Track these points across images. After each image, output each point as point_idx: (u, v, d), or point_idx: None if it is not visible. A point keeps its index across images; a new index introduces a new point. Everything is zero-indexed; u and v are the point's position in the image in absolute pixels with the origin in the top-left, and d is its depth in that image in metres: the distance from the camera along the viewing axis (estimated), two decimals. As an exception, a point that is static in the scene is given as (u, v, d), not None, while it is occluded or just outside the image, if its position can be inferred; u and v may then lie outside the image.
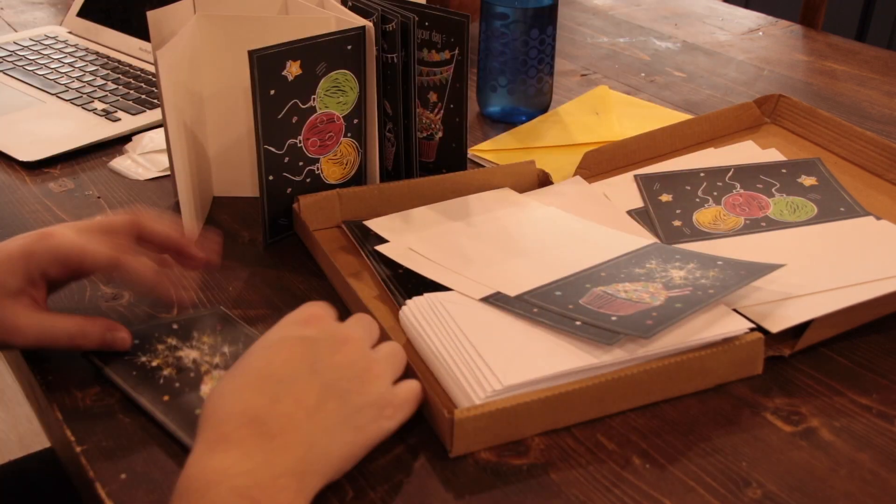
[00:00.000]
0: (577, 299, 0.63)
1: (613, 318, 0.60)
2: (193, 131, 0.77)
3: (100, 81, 1.05)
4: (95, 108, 0.99)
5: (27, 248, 0.60)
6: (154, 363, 0.60)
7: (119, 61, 1.11)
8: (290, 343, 0.53)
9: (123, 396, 0.59)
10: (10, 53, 1.14)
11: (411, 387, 0.55)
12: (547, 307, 0.62)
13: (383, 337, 0.58)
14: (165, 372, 0.60)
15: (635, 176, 0.84)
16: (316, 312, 0.56)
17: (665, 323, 0.58)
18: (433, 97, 0.82)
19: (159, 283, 0.62)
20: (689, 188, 0.81)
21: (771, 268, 0.65)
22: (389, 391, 0.54)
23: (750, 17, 1.37)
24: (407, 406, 0.54)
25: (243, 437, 0.48)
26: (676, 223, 0.77)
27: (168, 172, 0.87)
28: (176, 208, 0.81)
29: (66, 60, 1.12)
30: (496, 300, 0.64)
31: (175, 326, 0.64)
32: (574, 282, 0.65)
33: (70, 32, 1.21)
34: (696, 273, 0.65)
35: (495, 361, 0.57)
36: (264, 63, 0.68)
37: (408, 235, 0.73)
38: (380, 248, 0.71)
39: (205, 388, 0.58)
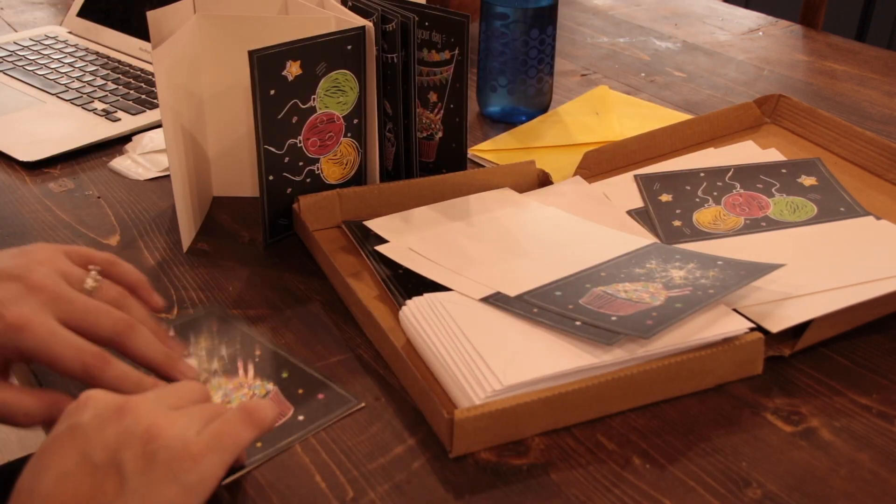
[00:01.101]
0: (576, 299, 0.63)
1: (613, 318, 0.60)
2: (192, 132, 0.77)
3: (100, 81, 1.05)
4: (95, 108, 0.99)
5: None
6: None
7: (119, 61, 1.11)
8: (57, 444, 0.46)
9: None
10: (10, 53, 1.14)
11: (216, 429, 0.47)
12: (547, 307, 0.62)
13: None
14: None
15: (635, 176, 0.84)
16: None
17: (665, 323, 0.58)
18: (433, 97, 0.82)
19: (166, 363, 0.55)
20: (689, 188, 0.81)
21: (771, 268, 0.65)
22: (183, 444, 0.45)
23: (750, 17, 1.37)
24: (211, 451, 0.45)
25: None
26: (676, 223, 0.77)
27: (168, 172, 0.87)
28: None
29: (66, 60, 1.12)
30: (496, 300, 0.64)
31: (171, 333, 0.63)
32: (574, 282, 0.65)
33: (70, 32, 1.21)
34: (696, 273, 0.65)
35: (495, 361, 0.57)
36: (264, 63, 0.68)
37: (408, 235, 0.74)
38: (380, 248, 0.71)
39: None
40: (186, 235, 0.76)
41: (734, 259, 0.67)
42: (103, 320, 0.52)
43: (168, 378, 0.55)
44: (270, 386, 0.59)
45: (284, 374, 0.61)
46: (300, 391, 0.59)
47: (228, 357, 0.62)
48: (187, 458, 0.45)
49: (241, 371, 0.61)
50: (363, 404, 0.59)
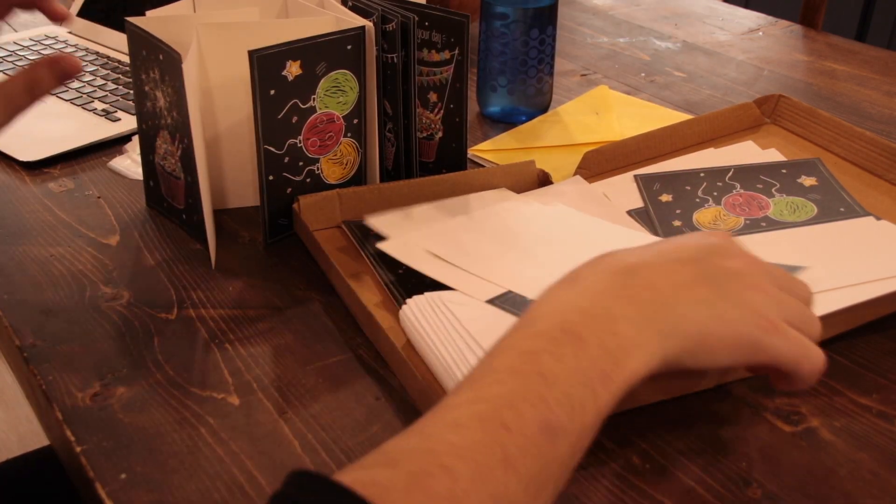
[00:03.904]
0: None
1: None
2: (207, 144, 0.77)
3: (100, 81, 1.05)
4: (95, 108, 0.99)
5: None
6: None
7: (119, 61, 1.11)
8: (684, 245, 0.51)
9: (126, 395, 0.59)
10: (10, 53, 1.14)
11: (800, 339, 0.50)
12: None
13: None
14: None
15: (635, 176, 0.84)
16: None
17: None
18: (433, 97, 0.82)
19: None
20: (689, 188, 0.81)
21: None
22: (773, 310, 0.49)
23: (750, 17, 1.37)
24: (787, 338, 0.48)
25: (596, 280, 0.48)
26: (676, 223, 0.77)
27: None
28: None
29: (66, 60, 1.12)
30: (502, 302, 0.63)
31: None
32: None
33: (70, 32, 1.21)
34: None
35: None
36: (264, 63, 0.68)
37: (407, 232, 0.73)
38: (381, 245, 0.71)
39: None
40: (213, 248, 0.75)
41: None
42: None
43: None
44: None
45: None
46: None
47: None
48: (769, 322, 0.49)
49: None
50: None
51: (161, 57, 0.70)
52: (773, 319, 0.48)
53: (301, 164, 0.75)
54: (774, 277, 0.51)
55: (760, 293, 0.49)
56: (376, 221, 0.75)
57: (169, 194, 0.78)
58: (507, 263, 0.69)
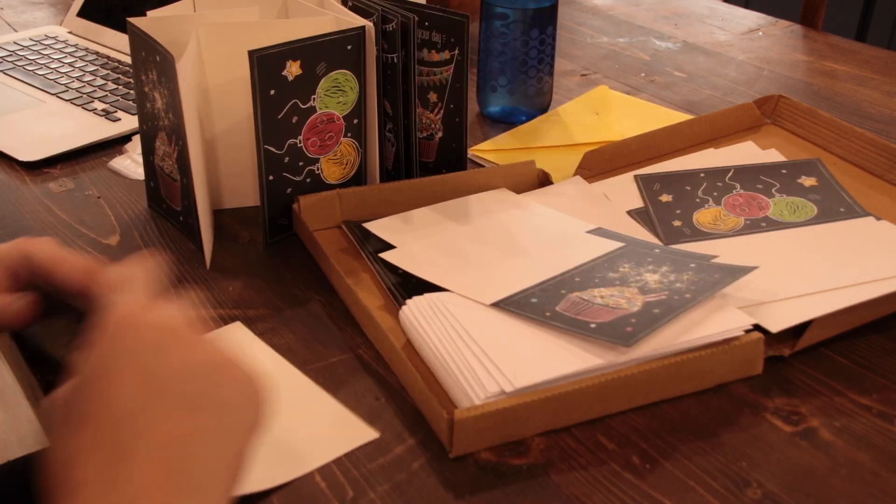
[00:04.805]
0: (553, 306, 0.62)
1: (592, 326, 0.59)
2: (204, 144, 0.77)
3: (100, 81, 1.05)
4: (95, 108, 0.99)
5: None
6: None
7: (119, 61, 1.11)
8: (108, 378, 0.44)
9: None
10: (10, 53, 1.14)
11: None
12: (524, 315, 0.62)
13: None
14: None
15: (635, 176, 0.84)
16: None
17: (645, 330, 0.58)
18: (433, 97, 0.82)
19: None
20: (689, 188, 0.81)
21: (745, 270, 0.64)
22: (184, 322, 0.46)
23: (750, 17, 1.37)
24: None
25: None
26: (676, 223, 0.77)
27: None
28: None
29: (66, 60, 1.12)
30: (506, 304, 0.63)
31: None
32: (549, 288, 0.65)
33: (70, 32, 1.21)
34: (670, 276, 0.65)
35: (505, 363, 0.57)
36: (264, 63, 0.68)
37: (408, 238, 0.73)
38: (384, 255, 0.71)
39: None
40: (208, 251, 0.75)
41: (707, 262, 0.66)
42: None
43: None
44: None
45: None
46: None
47: None
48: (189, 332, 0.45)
49: None
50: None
51: (158, 58, 0.70)
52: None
53: (301, 164, 0.75)
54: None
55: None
56: (376, 227, 0.75)
57: (168, 196, 0.78)
58: (507, 269, 0.69)
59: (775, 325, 0.62)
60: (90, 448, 0.40)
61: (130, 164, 0.89)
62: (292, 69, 0.70)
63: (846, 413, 0.59)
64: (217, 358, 0.45)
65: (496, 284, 0.66)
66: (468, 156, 0.89)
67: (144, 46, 0.72)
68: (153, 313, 0.47)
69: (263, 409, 0.45)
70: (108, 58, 1.12)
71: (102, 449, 0.40)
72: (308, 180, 0.76)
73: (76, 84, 1.05)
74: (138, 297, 0.49)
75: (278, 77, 0.69)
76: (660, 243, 0.73)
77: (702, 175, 0.83)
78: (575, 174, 0.84)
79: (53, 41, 1.18)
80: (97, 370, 0.43)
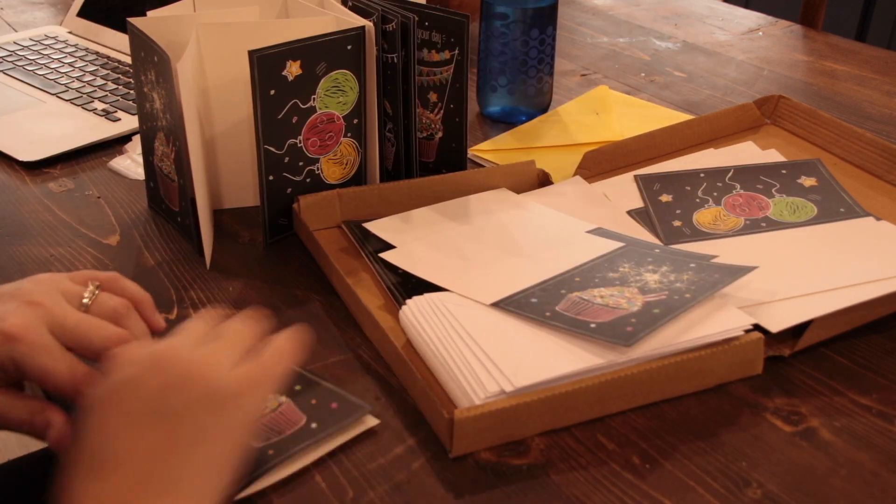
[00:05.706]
0: (553, 306, 0.62)
1: (592, 326, 0.59)
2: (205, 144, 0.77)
3: (100, 81, 1.05)
4: (95, 108, 0.99)
5: None
6: None
7: (119, 61, 1.11)
8: (107, 403, 0.47)
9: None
10: (10, 53, 1.14)
11: (252, 369, 0.49)
12: (524, 315, 0.62)
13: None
14: None
15: (635, 176, 0.84)
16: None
17: (645, 330, 0.58)
18: (433, 97, 0.82)
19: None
20: (689, 188, 0.81)
21: (745, 270, 0.64)
22: (223, 384, 0.47)
23: (750, 17, 1.37)
24: (251, 388, 0.48)
25: None
26: (676, 223, 0.77)
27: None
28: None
29: (66, 60, 1.12)
30: (506, 304, 0.63)
31: None
32: (549, 288, 0.65)
33: (70, 32, 1.21)
34: (670, 276, 0.65)
35: (505, 363, 0.57)
36: (264, 63, 0.68)
37: (408, 238, 0.73)
38: (384, 255, 0.71)
39: None
40: (208, 251, 0.75)
41: (707, 262, 0.66)
42: (95, 334, 0.52)
43: (147, 315, 0.57)
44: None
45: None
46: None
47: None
48: (229, 396, 0.47)
49: None
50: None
51: (156, 59, 0.70)
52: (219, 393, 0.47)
53: (301, 164, 0.75)
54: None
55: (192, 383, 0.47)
56: (376, 227, 0.75)
57: (167, 196, 0.78)
58: (507, 269, 0.69)
59: (775, 325, 0.62)
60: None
61: (130, 164, 0.89)
62: (292, 69, 0.70)
63: (846, 413, 0.59)
64: (190, 372, 0.47)
65: (496, 284, 0.66)
66: (468, 156, 0.89)
67: (144, 47, 0.72)
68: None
69: (241, 413, 0.47)
70: (108, 58, 1.12)
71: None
72: (308, 180, 0.76)
73: (76, 84, 1.05)
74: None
75: (278, 77, 0.69)
76: (660, 243, 0.73)
77: (702, 175, 0.83)
78: (575, 174, 0.84)
79: (53, 41, 1.18)
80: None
